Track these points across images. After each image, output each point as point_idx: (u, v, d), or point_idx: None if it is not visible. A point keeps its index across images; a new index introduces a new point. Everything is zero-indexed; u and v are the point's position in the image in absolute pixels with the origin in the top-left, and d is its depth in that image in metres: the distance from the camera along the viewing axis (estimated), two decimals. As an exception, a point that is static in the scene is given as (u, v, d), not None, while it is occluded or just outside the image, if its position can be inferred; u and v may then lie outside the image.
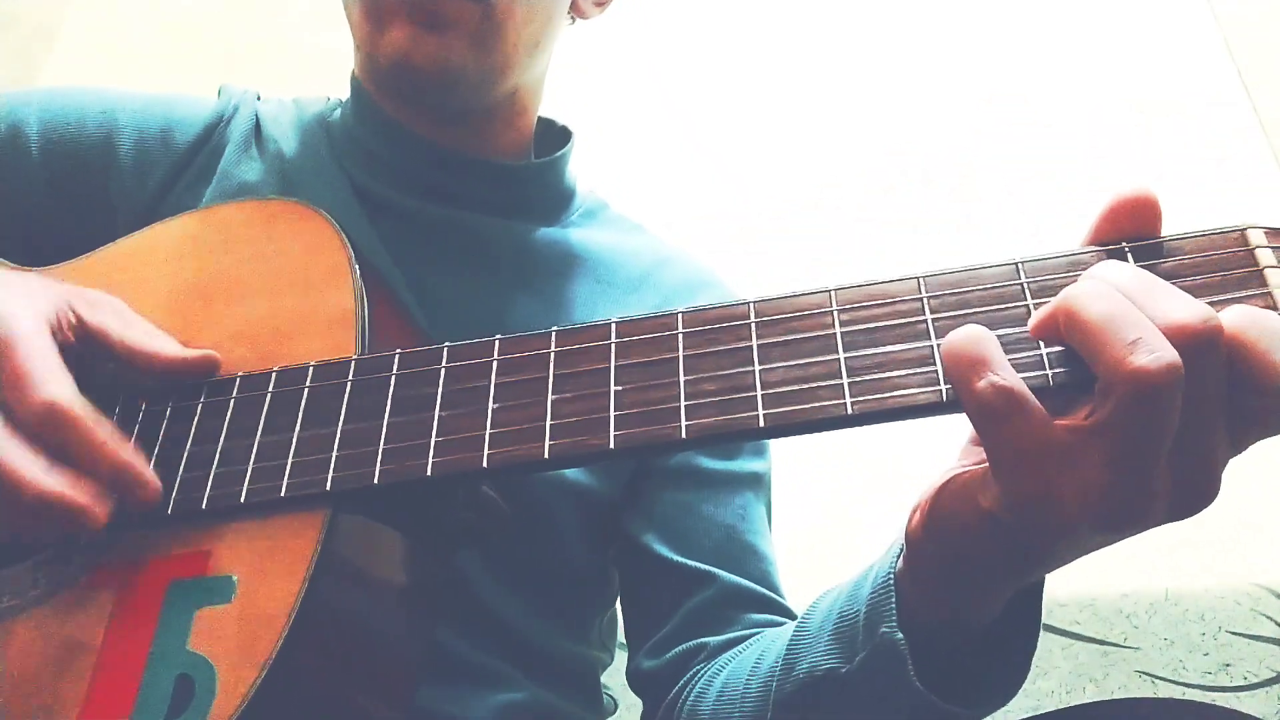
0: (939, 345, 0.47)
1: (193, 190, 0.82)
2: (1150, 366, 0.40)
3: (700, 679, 0.72)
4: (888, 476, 1.62)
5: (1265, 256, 0.44)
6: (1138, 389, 0.40)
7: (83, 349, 0.60)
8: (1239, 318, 0.42)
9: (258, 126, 0.86)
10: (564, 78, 1.09)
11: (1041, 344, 0.46)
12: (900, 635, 0.51)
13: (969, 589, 0.50)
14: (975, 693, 0.52)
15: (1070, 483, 0.42)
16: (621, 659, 0.83)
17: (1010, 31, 2.01)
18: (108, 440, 0.55)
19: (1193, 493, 0.42)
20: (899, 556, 0.53)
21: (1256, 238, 0.45)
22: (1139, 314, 0.42)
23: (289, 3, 2.17)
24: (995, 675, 0.53)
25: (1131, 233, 0.47)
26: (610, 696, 0.89)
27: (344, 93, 0.89)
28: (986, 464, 0.45)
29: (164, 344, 0.62)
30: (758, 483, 0.84)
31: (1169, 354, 0.40)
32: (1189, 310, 0.41)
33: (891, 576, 0.53)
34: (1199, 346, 0.40)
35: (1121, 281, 0.43)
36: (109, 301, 0.63)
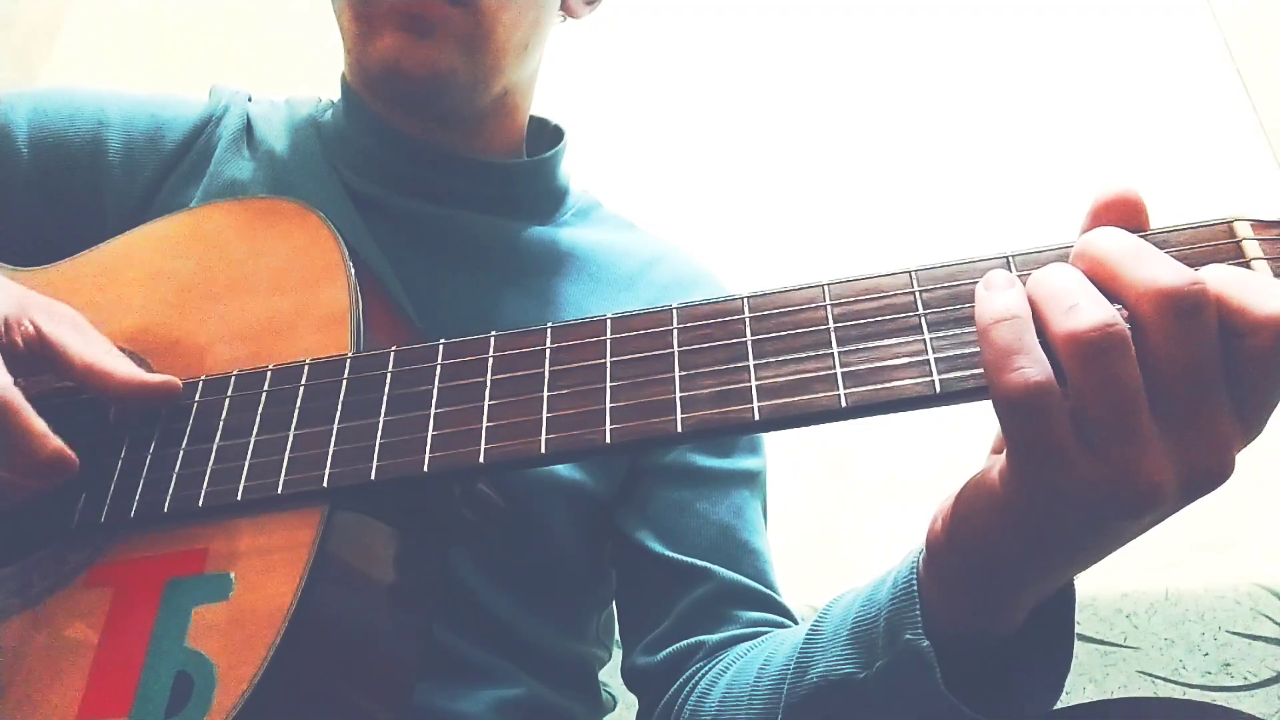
0: (921, 338, 0.47)
1: (182, 189, 0.82)
2: (1078, 327, 0.41)
3: (701, 678, 0.72)
4: (892, 486, 1.62)
5: (1252, 248, 0.44)
6: (1075, 352, 0.41)
7: (35, 358, 0.59)
8: (1216, 273, 0.42)
9: (249, 126, 0.87)
10: (558, 77, 1.10)
11: None
12: (926, 642, 0.50)
13: (993, 592, 0.49)
14: (1003, 705, 0.52)
15: (1079, 468, 0.42)
16: (620, 656, 0.83)
17: (1008, 31, 2.01)
18: (44, 432, 0.56)
19: (1203, 467, 0.42)
20: (919, 562, 0.53)
21: (1243, 229, 0.45)
22: (1082, 283, 0.43)
23: (289, 3, 2.17)
24: (1025, 688, 0.52)
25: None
26: (609, 694, 0.89)
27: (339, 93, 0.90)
28: (1000, 459, 0.45)
29: (121, 365, 0.61)
30: (753, 480, 0.84)
31: (1100, 313, 0.41)
32: (1173, 273, 0.41)
33: (914, 582, 0.52)
34: (1185, 307, 0.41)
35: (1110, 246, 0.44)
36: (69, 315, 0.62)
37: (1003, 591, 0.49)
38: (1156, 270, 0.42)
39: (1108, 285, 0.43)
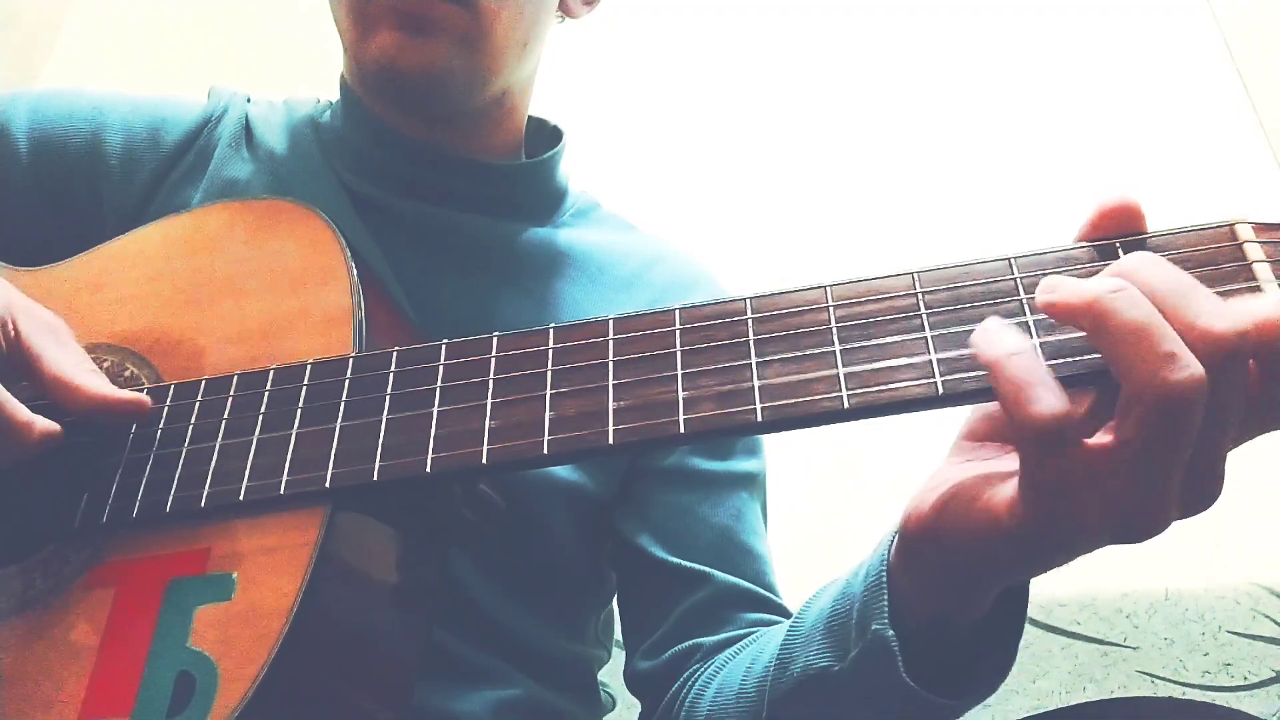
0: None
1: (181, 190, 0.82)
2: (1184, 381, 0.39)
3: (697, 680, 0.72)
4: (900, 486, 1.62)
5: (1253, 251, 0.44)
6: (1168, 403, 0.40)
7: (11, 361, 0.58)
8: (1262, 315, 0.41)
9: (247, 127, 0.87)
10: (557, 77, 1.10)
11: (1035, 336, 0.46)
12: (890, 631, 0.51)
13: (966, 588, 0.50)
14: (964, 683, 0.52)
15: (1095, 499, 0.42)
16: (620, 657, 0.83)
17: (1008, 31, 2.01)
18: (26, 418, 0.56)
19: (1203, 493, 0.43)
20: (890, 551, 0.53)
21: (1245, 232, 0.45)
22: (1166, 326, 0.41)
23: (289, 3, 2.17)
24: (982, 665, 0.53)
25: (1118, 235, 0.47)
26: (609, 694, 0.89)
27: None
28: (997, 473, 0.46)
29: (90, 379, 0.60)
30: (752, 483, 0.84)
31: (1198, 368, 0.40)
32: (1225, 320, 0.40)
33: (883, 573, 0.53)
34: (1231, 355, 0.40)
35: (1155, 280, 0.42)
36: (50, 321, 0.61)
37: (977, 586, 0.50)
38: (1211, 317, 0.41)
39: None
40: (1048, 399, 0.41)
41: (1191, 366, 0.40)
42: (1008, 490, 0.45)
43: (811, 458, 1.61)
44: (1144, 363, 0.40)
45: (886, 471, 1.64)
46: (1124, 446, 0.41)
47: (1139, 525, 0.42)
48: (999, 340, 0.43)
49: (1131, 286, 0.42)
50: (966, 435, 0.52)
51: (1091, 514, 0.42)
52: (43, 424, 0.56)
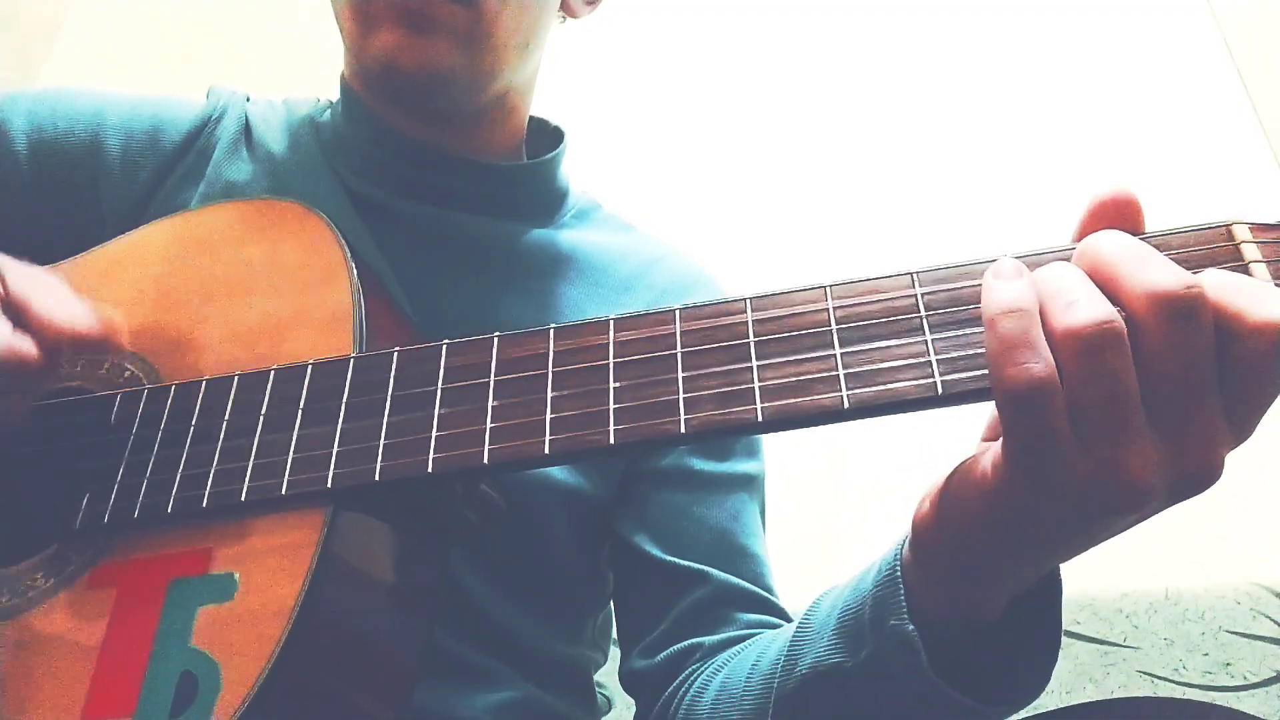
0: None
1: (181, 191, 0.82)
2: (1076, 323, 0.41)
3: (696, 679, 0.72)
4: (886, 485, 1.62)
5: (1250, 251, 0.45)
6: (1073, 347, 0.41)
7: (2, 317, 0.56)
8: (1214, 277, 0.43)
9: (247, 127, 0.86)
10: (558, 77, 1.10)
11: None
12: (910, 626, 0.51)
13: (975, 577, 0.50)
14: (992, 692, 0.52)
15: (1071, 460, 0.42)
16: (618, 657, 0.83)
17: (1009, 31, 2.01)
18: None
19: (1192, 469, 0.42)
20: (903, 548, 0.53)
21: (1242, 232, 0.45)
22: (1080, 281, 0.43)
23: (289, 3, 2.17)
24: (1014, 679, 0.53)
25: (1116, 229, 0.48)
26: (605, 696, 0.89)
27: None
28: (993, 446, 0.45)
29: (69, 311, 0.57)
30: (750, 484, 0.84)
31: (1099, 311, 0.41)
32: (1171, 276, 0.42)
33: (897, 569, 0.53)
34: (1182, 310, 0.41)
35: (1110, 248, 0.44)
36: (40, 276, 0.59)
37: (982, 576, 0.50)
38: (1155, 273, 0.42)
39: (1108, 286, 0.43)
40: (1031, 365, 0.42)
41: (1089, 309, 0.42)
42: (996, 455, 0.45)
43: (797, 458, 1.62)
44: (1050, 315, 0.43)
45: (872, 471, 1.64)
46: (1071, 396, 0.42)
47: (1110, 488, 0.42)
48: (999, 292, 0.44)
49: (1077, 259, 0.45)
50: (986, 436, 0.52)
51: (1071, 476, 0.42)
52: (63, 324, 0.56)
